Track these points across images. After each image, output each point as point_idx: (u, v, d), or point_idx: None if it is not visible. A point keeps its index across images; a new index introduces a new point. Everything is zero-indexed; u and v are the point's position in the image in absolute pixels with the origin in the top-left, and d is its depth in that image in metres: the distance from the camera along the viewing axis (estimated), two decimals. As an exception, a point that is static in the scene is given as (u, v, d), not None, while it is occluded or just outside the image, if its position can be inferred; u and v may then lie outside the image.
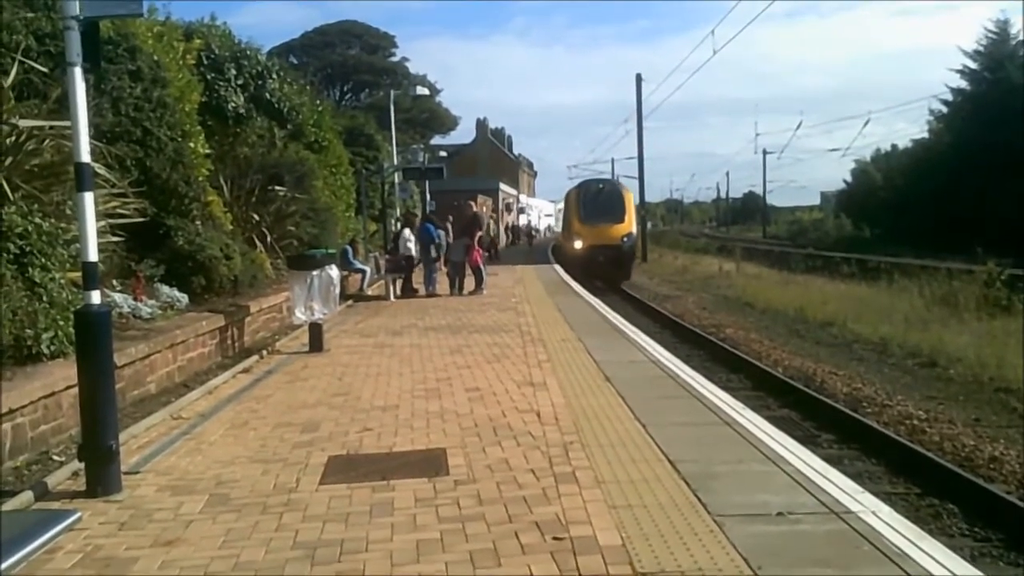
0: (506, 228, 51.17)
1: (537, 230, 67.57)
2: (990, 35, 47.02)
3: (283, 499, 5.06)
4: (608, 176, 52.08)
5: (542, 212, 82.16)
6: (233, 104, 16.38)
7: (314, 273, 11.22)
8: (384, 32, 71.47)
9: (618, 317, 14.26)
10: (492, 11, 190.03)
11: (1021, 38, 46.17)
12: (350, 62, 67.33)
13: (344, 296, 16.72)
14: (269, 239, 16.09)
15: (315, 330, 11.20)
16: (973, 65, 47.39)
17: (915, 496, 7.76)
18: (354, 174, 24.91)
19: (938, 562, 3.89)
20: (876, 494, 5.95)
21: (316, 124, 21.93)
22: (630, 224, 31.25)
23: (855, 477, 6.71)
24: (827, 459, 6.66)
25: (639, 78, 42.12)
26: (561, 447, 5.94)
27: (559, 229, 53.01)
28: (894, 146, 61.64)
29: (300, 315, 11.22)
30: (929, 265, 26.43)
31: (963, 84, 48.02)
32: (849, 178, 67.56)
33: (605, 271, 29.60)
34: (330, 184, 22.08)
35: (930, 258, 29.38)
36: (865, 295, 22.56)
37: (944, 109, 49.63)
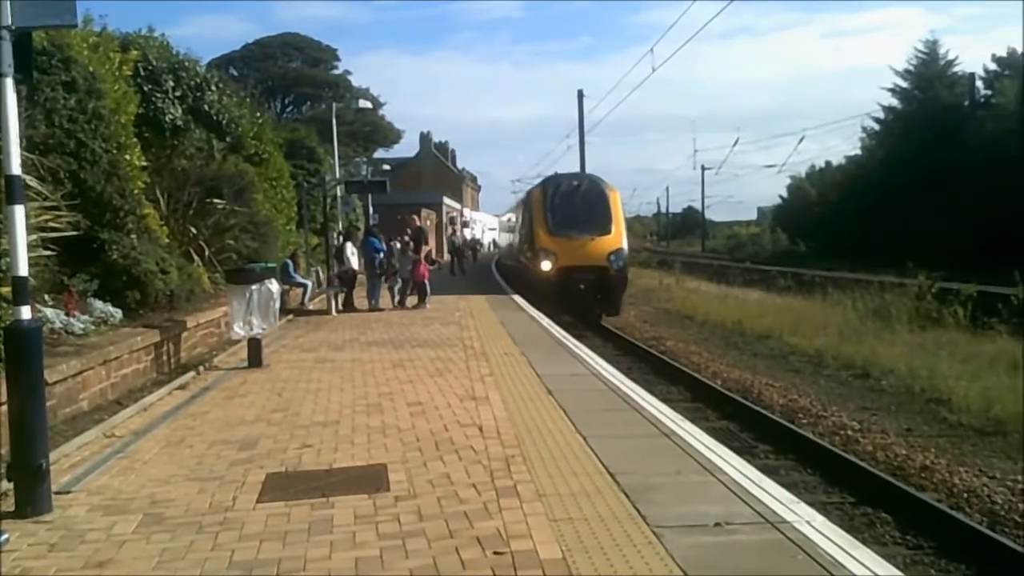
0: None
1: (481, 244, 67.61)
2: (920, 55, 48.55)
3: (219, 518, 4.97)
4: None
5: (486, 226, 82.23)
6: (171, 116, 16.10)
7: (253, 287, 11.07)
8: (326, 45, 71.20)
9: (560, 330, 14.35)
10: (436, 26, 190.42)
11: (949, 58, 47.86)
12: (291, 74, 66.80)
13: (284, 311, 16.52)
14: (207, 253, 15.81)
15: (254, 345, 11.04)
16: (904, 84, 48.84)
17: (849, 505, 7.93)
18: (295, 187, 24.64)
19: (870, 570, 3.98)
20: (811, 504, 6.07)
21: (256, 136, 21.67)
22: (619, 236, 22.44)
23: (791, 487, 6.84)
24: (764, 469, 6.78)
25: (580, 94, 42.50)
26: (503, 461, 5.95)
27: (506, 242, 39.03)
28: (828, 163, 62.96)
29: (239, 330, 11.04)
30: (862, 279, 27.08)
31: (894, 103, 49.41)
32: (785, 193, 68.84)
33: (585, 303, 21.77)
34: (270, 197, 21.80)
35: (863, 272, 30.09)
36: (801, 308, 23.02)
37: (876, 127, 51.00)
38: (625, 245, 22.73)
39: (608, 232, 22.09)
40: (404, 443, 6.60)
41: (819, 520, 4.70)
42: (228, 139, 19.43)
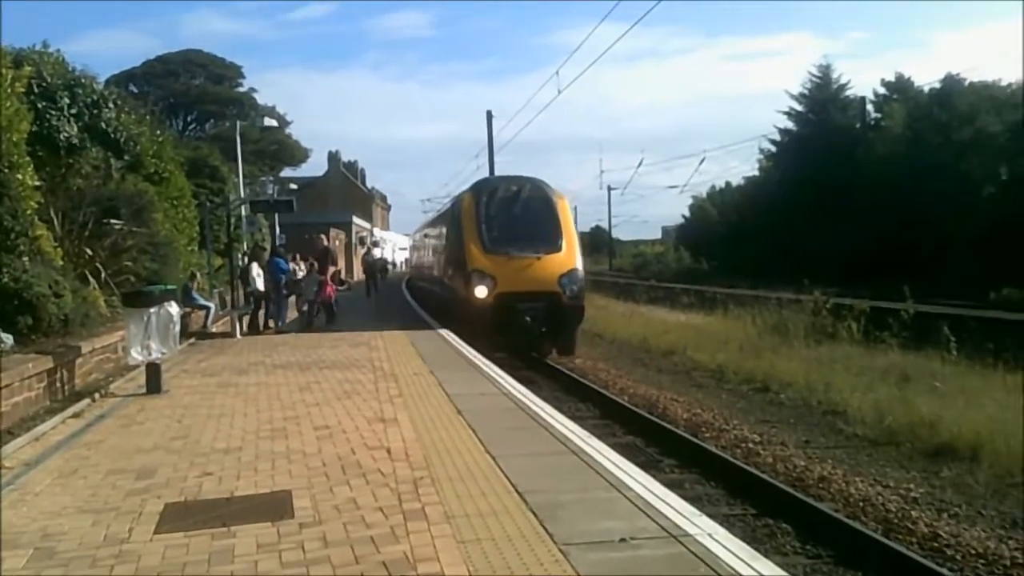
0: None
1: (392, 263, 67.11)
2: (814, 79, 50.69)
3: (114, 551, 4.79)
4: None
5: (396, 245, 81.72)
6: (66, 134, 15.53)
7: (152, 310, 10.72)
8: (230, 62, 69.69)
9: (471, 350, 14.34)
10: (344, 44, 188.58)
11: (842, 82, 50.09)
12: (194, 91, 65.21)
13: (186, 334, 16.06)
14: (104, 275, 15.25)
15: (153, 370, 10.69)
16: (799, 107, 50.91)
17: (751, 517, 8.15)
18: (197, 207, 24.04)
19: (770, 581, 4.09)
20: (715, 516, 6.23)
21: (156, 155, 21.05)
22: (572, 254, 18.38)
23: (695, 500, 6.99)
24: (669, 484, 6.92)
25: (490, 115, 42.82)
26: (411, 483, 5.91)
27: (422, 261, 33.22)
28: (728, 183, 64.86)
29: (137, 355, 10.67)
30: (761, 295, 27.96)
31: (790, 125, 51.42)
32: (687, 213, 70.75)
33: (532, 339, 17.93)
34: (171, 217, 21.21)
35: (763, 289, 31.05)
36: (703, 324, 23.61)
37: (773, 148, 52.93)
38: (580, 265, 18.40)
39: (558, 249, 18.10)
40: (310, 468, 6.49)
41: (721, 532, 4.81)
42: (126, 157, 18.84)
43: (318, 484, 6.03)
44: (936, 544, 7.27)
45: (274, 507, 5.50)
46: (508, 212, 18.68)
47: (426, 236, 31.23)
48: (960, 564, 6.87)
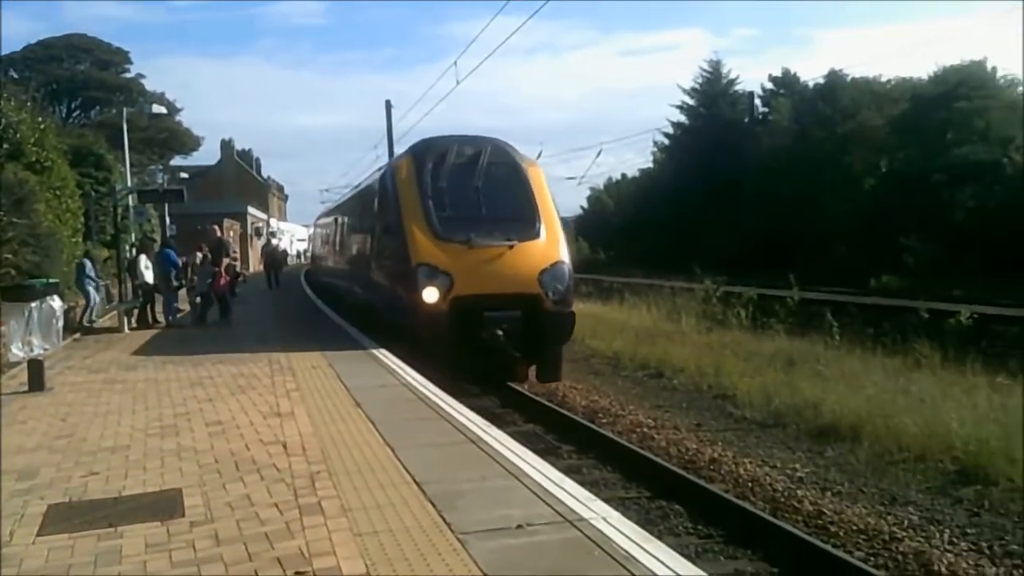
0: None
1: (289, 255, 65.76)
2: (705, 74, 52.18)
3: (-6, 556, 4.59)
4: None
5: (294, 236, 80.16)
6: (-64, 121, 14.68)
7: (33, 305, 10.28)
8: (117, 47, 66.76)
9: (372, 342, 14.19)
10: (236, 30, 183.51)
11: (731, 78, 51.64)
12: (79, 77, 62.27)
13: (71, 329, 15.41)
14: (-19, 268, 14.49)
15: (35, 367, 10.23)
16: (690, 101, 52.34)
17: (646, 499, 8.36)
18: (82, 197, 23.03)
19: (662, 562, 4.22)
20: (610, 500, 6.40)
21: (38, 143, 20.04)
22: (555, 242, 13.68)
23: (591, 485, 7.16)
24: (567, 469, 7.08)
25: (388, 104, 42.40)
26: (307, 478, 5.85)
27: (330, 254, 26.99)
28: (624, 175, 66.15)
29: (17, 351, 10.24)
30: (655, 284, 28.64)
31: (682, 119, 52.84)
32: (585, 204, 71.76)
33: (503, 359, 13.01)
34: (54, 208, 20.22)
35: (657, 278, 31.78)
36: (601, 313, 24.00)
37: (666, 141, 54.29)
38: (566, 257, 13.68)
39: (536, 234, 13.39)
40: (201, 465, 6.34)
41: (615, 516, 4.94)
42: (6, 146, 17.94)
43: (210, 481, 5.90)
44: (820, 521, 7.59)
45: (163, 506, 5.36)
46: (464, 184, 13.74)
47: (336, 222, 25.08)
48: (843, 540, 7.17)
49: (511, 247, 13.02)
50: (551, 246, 13.47)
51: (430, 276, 12.74)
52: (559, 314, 13.07)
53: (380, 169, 17.68)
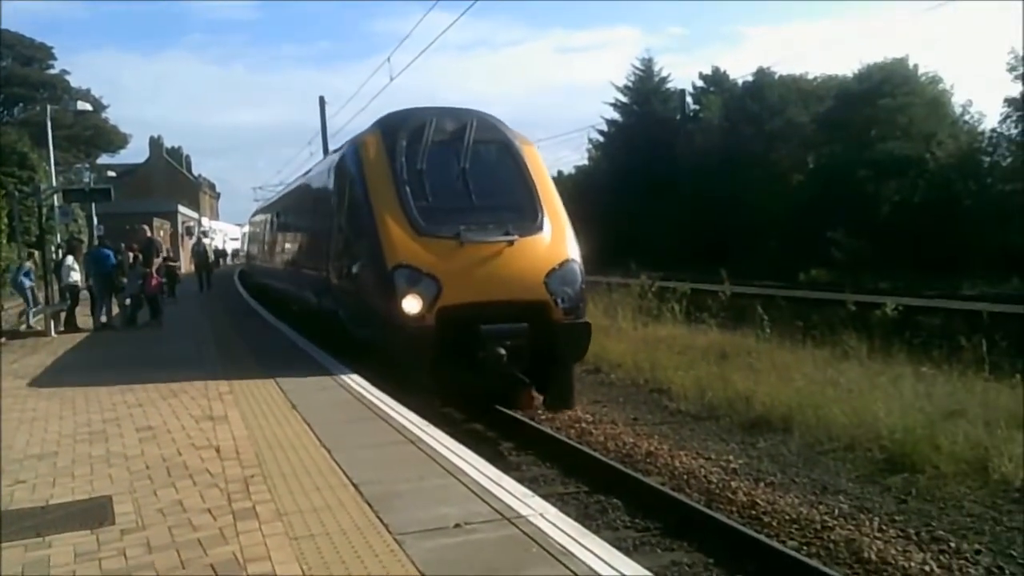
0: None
1: (225, 254, 64.51)
2: (637, 72, 52.74)
3: (-89, 572, 4.43)
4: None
5: (227, 235, 78.70)
6: None
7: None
8: (40, 42, 64.82)
9: (307, 343, 14.01)
10: (163, 25, 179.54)
11: (663, 75, 52.31)
12: (0, 74, 60.23)
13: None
14: None
15: (-46, 375, 9.89)
16: (624, 99, 52.83)
17: (584, 494, 8.42)
18: (5, 197, 22.33)
19: (599, 557, 4.25)
20: (549, 496, 6.45)
21: (-46, 141, 19.43)
22: (562, 237, 11.34)
23: (530, 482, 7.22)
24: (506, 467, 7.10)
25: (322, 100, 41.86)
26: (241, 482, 5.76)
27: (268, 251, 24.16)
28: (560, 172, 66.45)
29: (-66, 359, 9.85)
30: (593, 280, 28.79)
31: (616, 116, 53.32)
32: (523, 201, 71.74)
33: (504, 383, 10.56)
34: (-27, 208, 19.64)
35: (595, 274, 31.98)
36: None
37: (601, 138, 54.74)
38: (577, 254, 11.33)
39: (538, 227, 11.09)
40: (132, 472, 6.19)
41: (552, 512, 4.96)
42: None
43: (141, 488, 5.77)
44: (754, 512, 7.74)
45: (93, 514, 5.23)
46: (448, 166, 11.34)
47: (277, 216, 21.88)
48: (776, 530, 7.32)
49: (510, 243, 10.57)
50: (558, 241, 11.16)
51: (411, 281, 10.20)
52: (572, 326, 10.65)
53: (337, 150, 14.59)
